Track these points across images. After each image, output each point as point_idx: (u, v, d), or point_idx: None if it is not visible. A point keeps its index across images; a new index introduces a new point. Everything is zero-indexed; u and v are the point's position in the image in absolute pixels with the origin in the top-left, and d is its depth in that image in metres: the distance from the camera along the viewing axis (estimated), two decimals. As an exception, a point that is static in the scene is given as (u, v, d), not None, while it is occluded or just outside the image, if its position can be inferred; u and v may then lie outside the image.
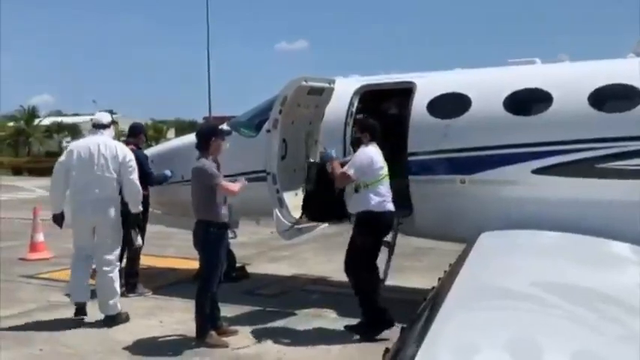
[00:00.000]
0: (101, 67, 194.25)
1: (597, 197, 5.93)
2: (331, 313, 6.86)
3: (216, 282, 5.91)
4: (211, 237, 5.84)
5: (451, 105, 6.67)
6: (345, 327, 6.13)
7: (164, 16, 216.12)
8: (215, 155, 5.93)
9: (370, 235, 6.01)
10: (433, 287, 3.84)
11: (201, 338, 5.82)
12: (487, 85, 6.71)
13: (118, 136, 8.34)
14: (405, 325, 2.93)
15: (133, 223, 6.98)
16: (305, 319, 6.64)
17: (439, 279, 4.19)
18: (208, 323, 5.87)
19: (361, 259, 6.05)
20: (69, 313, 6.93)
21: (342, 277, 8.48)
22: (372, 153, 5.97)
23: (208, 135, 5.97)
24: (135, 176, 6.67)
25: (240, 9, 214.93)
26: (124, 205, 7.25)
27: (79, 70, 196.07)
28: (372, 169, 5.90)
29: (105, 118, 7.02)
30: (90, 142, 6.70)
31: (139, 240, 7.29)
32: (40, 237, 10.36)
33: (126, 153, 6.68)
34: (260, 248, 11.11)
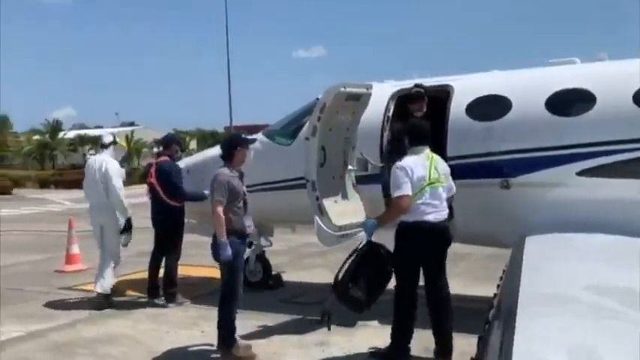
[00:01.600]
0: (123, 79, 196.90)
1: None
2: (372, 322, 6.78)
3: (238, 292, 5.84)
4: (233, 246, 5.70)
5: (491, 107, 6.58)
6: (371, 354, 5.78)
7: (184, 27, 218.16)
8: (239, 165, 5.90)
9: (405, 248, 5.45)
10: (494, 295, 3.75)
11: (226, 351, 5.76)
12: (527, 86, 6.62)
13: (129, 148, 8.43)
14: (481, 335, 2.86)
15: (123, 228, 7.94)
16: (349, 328, 6.56)
17: (498, 286, 4.11)
18: (233, 335, 5.82)
19: (400, 274, 5.59)
20: (110, 323, 6.98)
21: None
22: (406, 163, 5.41)
23: (233, 145, 5.94)
24: (112, 185, 7.75)
25: (257, 18, 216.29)
26: (169, 216, 7.53)
27: (100, 82, 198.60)
28: (412, 181, 5.34)
29: (105, 138, 8.28)
30: (93, 160, 8.13)
31: (123, 241, 8.06)
32: (76, 249, 10.45)
33: (107, 166, 7.83)
34: (293, 256, 11.08)
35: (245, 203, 5.87)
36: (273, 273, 8.68)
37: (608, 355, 2.48)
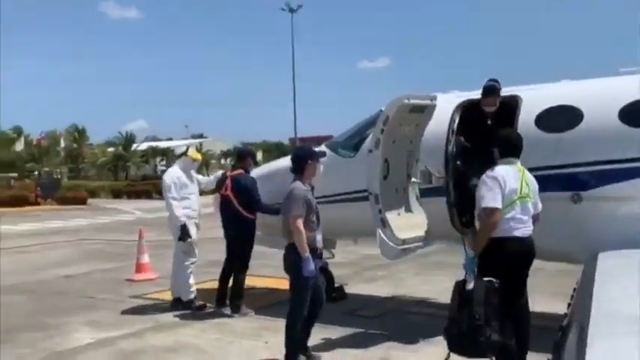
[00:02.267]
0: (192, 92, 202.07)
1: None
2: (438, 338, 6.62)
3: (305, 306, 5.78)
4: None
5: (561, 118, 6.37)
6: None
7: (250, 41, 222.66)
8: (310, 178, 5.90)
9: (495, 266, 5.05)
10: (565, 314, 3.61)
11: None
12: (600, 96, 6.37)
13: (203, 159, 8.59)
14: (549, 357, 2.75)
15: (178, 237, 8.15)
16: (410, 343, 6.46)
17: (569, 305, 3.94)
18: (298, 349, 5.81)
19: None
20: (178, 332, 7.13)
21: (445, 299, 8.29)
22: (497, 173, 5.13)
23: (304, 158, 5.93)
24: (167, 197, 8.11)
25: (322, 30, 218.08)
26: (243, 228, 7.77)
27: (172, 96, 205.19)
28: (504, 192, 5.05)
29: (177, 150, 8.14)
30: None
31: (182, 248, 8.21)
32: (146, 258, 10.76)
33: (163, 178, 8.32)
34: (356, 268, 11.03)
35: (317, 217, 5.84)
36: (336, 285, 8.65)
37: None
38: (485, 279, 4.96)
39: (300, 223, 5.60)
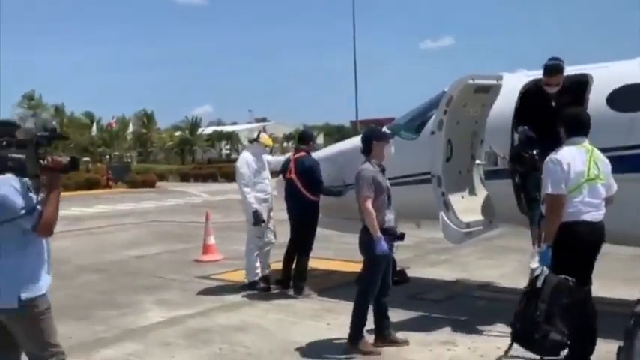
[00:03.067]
0: (255, 77, 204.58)
1: None
2: (502, 322, 6.52)
3: (376, 287, 5.82)
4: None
5: (635, 97, 6.09)
6: None
7: (312, 24, 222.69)
8: (379, 160, 5.88)
9: (564, 253, 4.83)
10: (638, 300, 3.48)
11: (354, 343, 5.79)
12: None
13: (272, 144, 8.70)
14: (621, 345, 2.66)
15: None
16: (475, 327, 6.39)
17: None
18: (363, 329, 5.84)
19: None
20: (243, 312, 7.31)
21: (510, 283, 8.17)
22: (561, 157, 4.88)
23: (369, 139, 5.95)
24: (240, 183, 8.16)
25: (384, 10, 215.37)
26: (307, 211, 7.86)
27: (236, 80, 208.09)
28: (569, 176, 4.83)
29: (250, 136, 8.88)
30: None
31: (269, 236, 8.39)
32: (212, 240, 11.03)
33: (236, 165, 8.41)
34: (418, 251, 10.95)
35: (389, 198, 5.85)
36: (398, 268, 8.62)
37: None
38: (560, 276, 4.75)
39: (369, 203, 5.63)
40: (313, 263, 8.77)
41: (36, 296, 3.69)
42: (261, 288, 8.22)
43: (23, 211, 3.54)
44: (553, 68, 6.37)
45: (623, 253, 8.71)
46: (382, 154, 5.90)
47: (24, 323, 3.71)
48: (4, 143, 3.62)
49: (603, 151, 6.08)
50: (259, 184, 8.27)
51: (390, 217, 5.84)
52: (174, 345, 6.21)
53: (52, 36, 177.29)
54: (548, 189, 4.87)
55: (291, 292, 7.99)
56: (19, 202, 3.56)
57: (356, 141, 8.82)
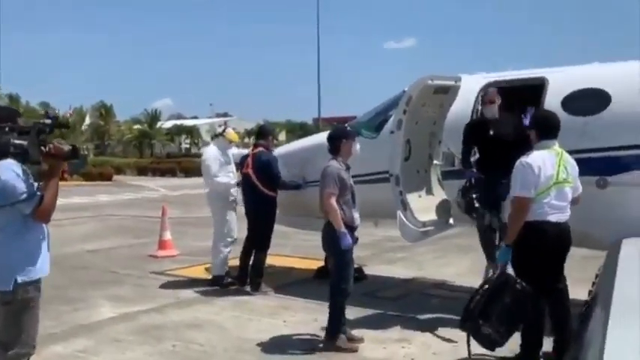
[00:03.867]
0: (217, 71, 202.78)
1: None
2: (456, 320, 6.60)
3: (348, 283, 5.86)
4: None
5: (589, 101, 6.23)
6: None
7: (276, 20, 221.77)
8: (346, 158, 5.89)
9: (528, 252, 4.95)
10: (586, 301, 3.56)
11: (330, 341, 5.80)
12: (629, 79, 6.21)
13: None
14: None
15: None
16: (430, 325, 6.45)
17: (590, 292, 3.90)
18: (340, 326, 5.84)
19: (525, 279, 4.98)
20: (198, 309, 7.22)
21: (464, 282, 8.28)
22: (532, 160, 4.94)
23: (338, 137, 5.95)
24: (210, 173, 8.07)
25: (349, 9, 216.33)
26: (265, 206, 7.81)
27: (198, 74, 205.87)
28: (539, 180, 4.89)
29: (216, 130, 8.98)
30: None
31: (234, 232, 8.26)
32: (168, 235, 10.87)
33: (203, 159, 8.34)
34: (375, 250, 11.01)
35: (353, 195, 5.88)
36: (356, 266, 8.63)
37: None
38: (512, 275, 4.90)
39: (333, 199, 5.65)
40: (271, 260, 8.75)
41: (30, 281, 3.76)
42: (227, 283, 8.12)
43: (24, 196, 3.60)
44: (488, 100, 6.50)
45: (576, 254, 8.94)
46: (349, 152, 5.91)
47: (12, 307, 3.73)
48: (7, 129, 3.66)
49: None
50: (225, 179, 8.21)
51: (355, 215, 5.88)
52: (125, 342, 6.08)
53: (6, 24, 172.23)
54: (516, 190, 4.94)
55: (247, 288, 7.93)
56: (20, 187, 3.61)
57: (318, 138, 8.83)
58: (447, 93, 6.64)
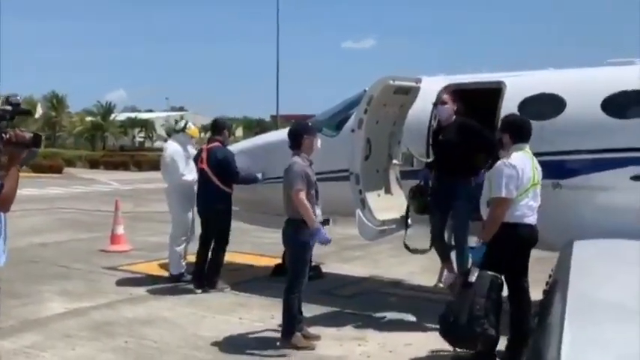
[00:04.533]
0: (174, 66, 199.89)
1: None
2: (411, 317, 6.69)
3: (304, 282, 5.85)
4: (303, 237, 5.76)
5: (545, 106, 6.38)
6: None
7: (235, 14, 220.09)
8: (308, 154, 5.87)
9: (503, 252, 5.04)
10: (542, 302, 3.64)
11: (287, 339, 5.77)
12: (583, 85, 6.39)
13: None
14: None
15: None
16: (385, 323, 6.50)
17: (544, 292, 3.98)
18: (295, 324, 5.82)
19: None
20: (151, 305, 7.09)
21: (419, 281, 8.39)
22: (516, 162, 5.04)
23: (299, 133, 5.92)
24: (172, 168, 7.98)
25: (308, 7, 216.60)
26: (222, 202, 7.70)
27: (153, 67, 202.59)
28: (522, 181, 5.03)
29: (177, 125, 8.66)
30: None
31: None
32: (121, 229, 10.64)
33: (164, 155, 8.18)
34: (332, 248, 10.98)
35: (317, 192, 5.87)
36: (313, 264, 8.63)
37: None
38: (491, 273, 4.95)
39: (302, 195, 5.63)
40: (229, 257, 8.64)
41: None
42: (187, 280, 7.99)
43: None
44: (440, 101, 6.60)
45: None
46: (312, 148, 5.88)
47: None
48: None
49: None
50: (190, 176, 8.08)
51: (318, 211, 5.87)
52: (76, 337, 5.93)
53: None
54: (501, 191, 4.98)
55: (204, 286, 7.80)
56: None
57: (278, 135, 8.78)
58: (407, 94, 6.69)
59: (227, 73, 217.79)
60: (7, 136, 3.54)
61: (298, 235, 5.72)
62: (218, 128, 8.13)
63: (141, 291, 7.73)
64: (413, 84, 6.65)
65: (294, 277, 5.83)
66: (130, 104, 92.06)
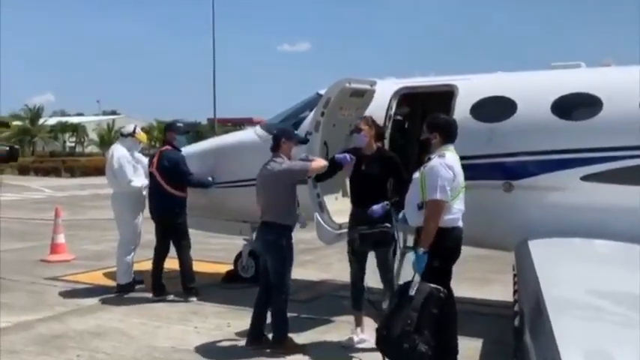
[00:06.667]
0: (104, 68, 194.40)
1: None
2: (368, 321, 6.67)
3: (289, 285, 5.81)
4: (288, 241, 5.75)
5: (496, 108, 6.52)
6: None
7: (169, 17, 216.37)
8: (288, 157, 5.84)
9: (441, 258, 4.87)
10: (515, 300, 3.69)
11: (280, 344, 5.72)
12: (533, 88, 6.57)
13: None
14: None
15: None
16: (343, 327, 6.47)
17: (515, 291, 4.05)
18: (287, 328, 5.80)
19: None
20: (101, 316, 6.82)
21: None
22: (450, 162, 4.87)
23: (279, 137, 5.88)
24: (120, 173, 7.70)
25: (243, 10, 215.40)
26: (176, 207, 7.52)
27: (82, 69, 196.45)
28: (457, 183, 4.88)
29: (125, 129, 8.23)
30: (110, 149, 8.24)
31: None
32: (62, 238, 10.20)
33: (113, 161, 7.77)
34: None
35: None
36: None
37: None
38: (432, 285, 4.70)
39: (314, 164, 5.75)
40: (174, 264, 8.47)
41: None
42: (138, 290, 7.75)
43: None
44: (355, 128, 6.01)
45: (469, 255, 9.33)
46: (288, 153, 5.85)
47: None
48: None
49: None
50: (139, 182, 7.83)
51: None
52: (23, 353, 5.63)
53: None
54: (436, 194, 4.77)
55: (170, 297, 7.57)
56: None
57: (228, 138, 8.64)
58: (362, 96, 6.70)
59: (161, 76, 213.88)
60: None
61: (285, 240, 5.70)
62: (171, 131, 7.89)
63: (88, 302, 7.43)
64: (368, 87, 6.67)
65: (280, 282, 5.75)
66: (59, 108, 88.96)
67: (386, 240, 5.81)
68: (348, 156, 5.82)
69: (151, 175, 7.60)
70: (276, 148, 5.85)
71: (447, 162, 4.86)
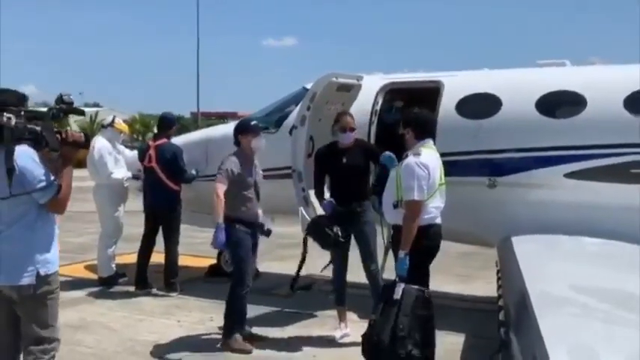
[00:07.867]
0: (87, 59, 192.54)
1: (631, 203, 5.84)
2: (352, 315, 6.69)
3: (245, 282, 5.73)
4: (238, 234, 5.67)
5: (481, 105, 6.55)
6: None
7: (153, 9, 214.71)
8: (248, 152, 5.80)
9: (421, 257, 4.82)
10: (499, 296, 3.72)
11: (226, 341, 5.66)
12: (518, 86, 6.61)
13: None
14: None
15: None
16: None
17: (499, 287, 4.08)
18: (235, 325, 5.71)
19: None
20: (83, 309, 6.77)
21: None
22: (426, 161, 4.77)
23: (236, 131, 5.87)
24: (102, 165, 7.65)
25: (227, 4, 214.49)
26: (173, 201, 7.51)
27: (65, 61, 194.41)
28: (433, 183, 4.79)
29: (105, 120, 8.25)
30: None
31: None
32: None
33: (93, 153, 7.67)
34: (266, 246, 10.88)
35: (257, 192, 5.82)
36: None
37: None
38: (416, 287, 4.60)
39: (219, 189, 5.57)
40: (159, 258, 8.41)
41: (52, 272, 3.63)
42: (121, 283, 7.72)
43: (42, 184, 3.42)
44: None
45: (453, 251, 9.40)
46: (248, 147, 5.79)
47: (35, 301, 3.58)
48: (22, 112, 3.37)
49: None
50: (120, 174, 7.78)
51: (259, 212, 5.86)
52: (4, 347, 5.54)
53: None
54: (414, 195, 4.70)
55: (154, 290, 7.53)
56: (39, 174, 3.43)
57: (212, 131, 8.60)
58: (349, 91, 6.69)
59: (145, 69, 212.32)
60: (63, 135, 3.46)
61: (234, 233, 5.63)
62: (166, 125, 7.78)
63: (70, 295, 7.33)
64: (355, 81, 6.67)
65: (236, 278, 5.76)
66: (42, 99, 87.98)
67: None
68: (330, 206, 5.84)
69: (149, 170, 7.49)
70: (236, 144, 5.85)
71: (421, 161, 4.77)
